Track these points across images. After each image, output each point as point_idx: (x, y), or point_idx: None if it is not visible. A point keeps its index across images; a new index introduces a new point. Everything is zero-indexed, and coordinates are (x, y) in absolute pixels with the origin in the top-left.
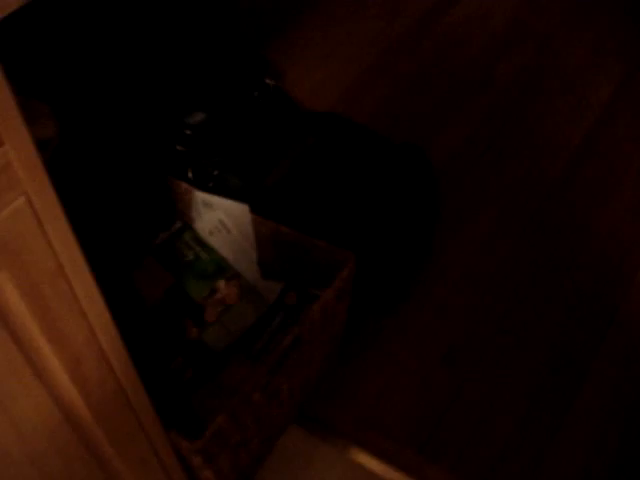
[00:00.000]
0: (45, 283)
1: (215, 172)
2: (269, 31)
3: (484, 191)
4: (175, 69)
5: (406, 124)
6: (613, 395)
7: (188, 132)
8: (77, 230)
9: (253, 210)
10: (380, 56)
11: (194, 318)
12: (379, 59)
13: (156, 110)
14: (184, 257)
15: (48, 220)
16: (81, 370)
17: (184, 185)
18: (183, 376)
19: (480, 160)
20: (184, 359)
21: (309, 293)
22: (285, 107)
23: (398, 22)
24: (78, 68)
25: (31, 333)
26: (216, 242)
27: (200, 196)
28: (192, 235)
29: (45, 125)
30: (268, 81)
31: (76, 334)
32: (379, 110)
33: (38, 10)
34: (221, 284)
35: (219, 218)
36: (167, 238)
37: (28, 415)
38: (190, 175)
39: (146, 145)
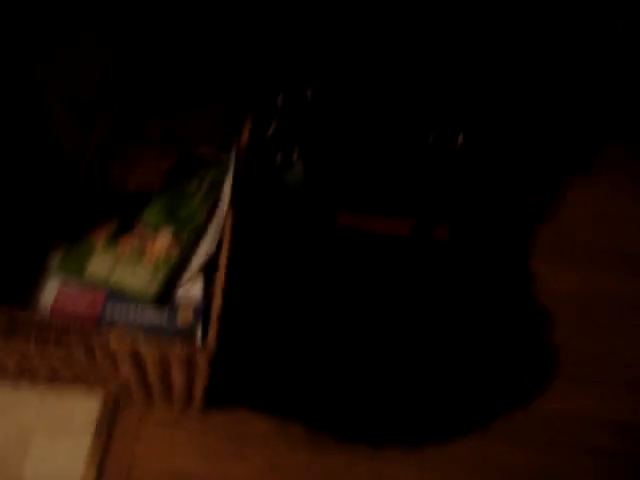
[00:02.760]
0: None
1: (294, 151)
2: None
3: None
4: None
5: None
6: None
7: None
8: None
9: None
10: None
11: (114, 231)
12: None
13: None
14: (186, 183)
15: None
16: None
17: None
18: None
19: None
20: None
21: None
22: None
23: None
24: None
25: None
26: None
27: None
28: (217, 176)
29: None
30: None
31: None
32: None
33: None
34: (164, 233)
35: (224, 190)
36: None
37: None
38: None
39: None
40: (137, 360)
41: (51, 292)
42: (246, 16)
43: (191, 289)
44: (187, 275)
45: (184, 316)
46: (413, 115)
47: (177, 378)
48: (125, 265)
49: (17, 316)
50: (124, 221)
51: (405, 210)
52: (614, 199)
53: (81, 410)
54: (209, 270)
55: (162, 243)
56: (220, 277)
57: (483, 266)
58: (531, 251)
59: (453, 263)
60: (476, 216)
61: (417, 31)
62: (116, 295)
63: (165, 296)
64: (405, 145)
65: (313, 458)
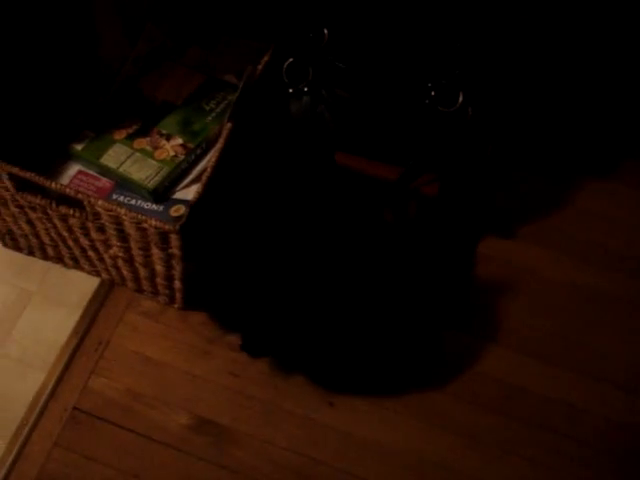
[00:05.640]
0: None
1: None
2: None
3: None
4: None
5: None
6: None
7: None
8: None
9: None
10: None
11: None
12: None
13: None
14: (206, 102)
15: None
16: None
17: None
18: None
19: None
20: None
21: None
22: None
23: None
24: None
25: None
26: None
27: None
28: (234, 99)
29: None
30: None
31: None
32: None
33: None
34: (175, 141)
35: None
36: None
37: None
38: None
39: None
40: (122, 234)
41: (69, 174)
42: None
43: (188, 193)
44: (187, 180)
45: (176, 208)
46: (420, 68)
47: (158, 264)
48: (134, 161)
49: (33, 178)
50: (144, 125)
51: (399, 159)
52: (619, 201)
53: (79, 288)
54: None
55: (171, 148)
56: (206, 174)
57: (463, 227)
58: (525, 233)
59: (435, 217)
60: (467, 179)
61: None
62: (123, 185)
63: (163, 193)
64: (407, 96)
65: (274, 372)
